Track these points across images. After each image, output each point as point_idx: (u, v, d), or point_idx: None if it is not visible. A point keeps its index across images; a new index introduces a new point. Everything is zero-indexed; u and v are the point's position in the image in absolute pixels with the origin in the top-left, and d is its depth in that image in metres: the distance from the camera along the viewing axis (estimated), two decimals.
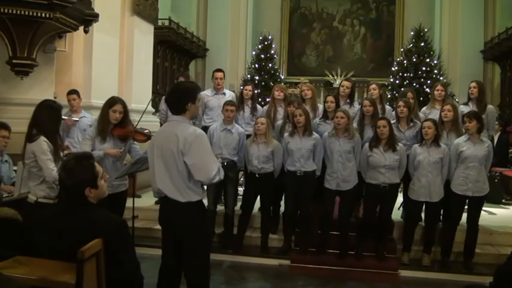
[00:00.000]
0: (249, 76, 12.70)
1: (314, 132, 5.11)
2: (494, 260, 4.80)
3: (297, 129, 5.02)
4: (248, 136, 5.33)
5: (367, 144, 4.94)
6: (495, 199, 7.08)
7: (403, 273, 4.84)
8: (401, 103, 5.23)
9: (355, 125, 5.27)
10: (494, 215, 6.38)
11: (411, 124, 5.22)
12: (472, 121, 4.73)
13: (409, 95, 5.67)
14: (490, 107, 5.57)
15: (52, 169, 3.49)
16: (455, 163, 4.84)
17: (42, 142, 3.53)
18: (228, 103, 5.27)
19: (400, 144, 4.93)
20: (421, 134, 4.88)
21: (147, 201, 5.94)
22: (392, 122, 5.18)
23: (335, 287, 4.61)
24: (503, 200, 7.18)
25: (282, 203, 5.56)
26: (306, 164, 5.01)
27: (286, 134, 5.16)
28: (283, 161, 5.13)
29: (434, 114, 5.30)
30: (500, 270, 2.52)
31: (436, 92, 5.60)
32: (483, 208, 6.50)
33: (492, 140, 8.93)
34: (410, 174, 4.98)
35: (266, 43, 13.01)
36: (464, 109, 5.37)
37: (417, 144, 4.96)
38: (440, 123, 5.03)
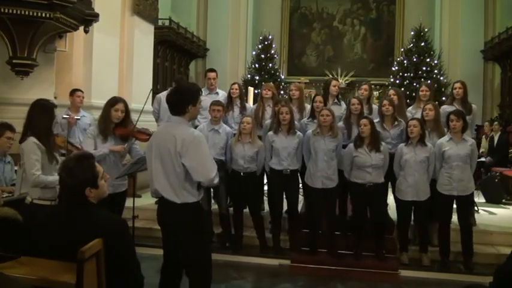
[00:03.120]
0: (249, 76, 12.71)
1: (297, 131, 5.14)
2: (494, 260, 4.80)
3: (281, 127, 5.04)
4: None
5: (351, 144, 4.96)
6: (495, 199, 7.09)
7: (403, 273, 4.84)
8: (385, 101, 5.28)
9: (341, 123, 5.30)
10: (494, 215, 6.38)
11: (396, 123, 5.25)
12: (459, 120, 4.76)
13: (391, 92, 5.72)
14: (474, 106, 5.60)
15: (33, 173, 3.41)
16: (439, 163, 4.88)
17: (31, 143, 3.48)
18: (215, 103, 5.25)
19: (383, 143, 4.95)
20: (407, 133, 4.91)
21: (147, 201, 5.93)
22: (376, 120, 5.20)
23: (335, 287, 4.61)
24: (503, 200, 7.18)
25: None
26: (292, 163, 5.06)
27: (270, 132, 5.17)
28: (265, 161, 5.16)
29: (420, 114, 5.32)
30: (500, 270, 2.52)
31: (421, 93, 5.69)
32: (483, 208, 6.56)
33: (492, 140, 8.99)
34: (396, 173, 5.01)
35: (266, 43, 13.02)
36: (448, 109, 5.37)
37: (403, 143, 4.97)
38: (423, 122, 5.06)
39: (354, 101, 5.31)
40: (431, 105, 5.18)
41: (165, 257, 3.19)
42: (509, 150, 8.99)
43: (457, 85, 5.54)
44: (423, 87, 5.71)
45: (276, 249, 5.22)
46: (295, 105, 5.66)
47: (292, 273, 4.87)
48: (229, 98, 5.88)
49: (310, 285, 4.62)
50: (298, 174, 5.28)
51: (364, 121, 4.85)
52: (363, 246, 5.02)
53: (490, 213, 6.45)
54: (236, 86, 5.95)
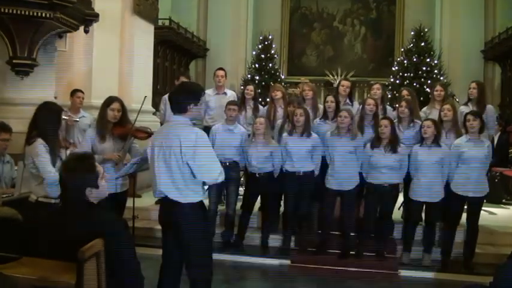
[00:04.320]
0: (249, 76, 12.71)
1: (313, 133, 5.10)
2: (494, 260, 4.78)
3: (295, 128, 5.02)
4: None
5: (369, 144, 4.94)
6: (495, 199, 7.08)
7: (403, 273, 4.83)
8: (403, 103, 5.22)
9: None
10: (494, 215, 6.38)
11: (411, 124, 5.22)
12: (477, 119, 4.73)
13: (404, 92, 5.70)
14: (489, 106, 5.57)
15: (49, 171, 3.47)
16: (455, 164, 4.84)
17: (38, 145, 3.51)
18: (231, 103, 5.27)
19: (402, 144, 4.92)
20: (421, 133, 4.88)
21: (147, 201, 5.94)
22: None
23: (335, 287, 4.61)
24: (503, 200, 7.19)
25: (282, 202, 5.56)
26: (305, 165, 5.02)
27: (284, 134, 5.15)
28: (282, 162, 5.13)
29: (434, 115, 5.29)
30: (501, 271, 2.52)
31: (435, 93, 5.63)
32: (483, 208, 6.55)
33: (492, 140, 8.97)
34: (411, 174, 4.98)
35: (266, 43, 13.02)
36: (464, 109, 5.36)
37: (417, 144, 4.96)
38: (440, 122, 5.03)
39: (370, 101, 5.24)
40: (449, 105, 5.12)
41: (164, 257, 3.18)
42: (509, 150, 8.98)
43: (472, 85, 5.51)
44: (438, 87, 5.67)
45: (286, 249, 5.20)
46: (308, 105, 5.59)
47: (292, 273, 4.87)
48: (243, 98, 5.89)
49: (310, 285, 4.63)
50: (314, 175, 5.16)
51: (384, 122, 4.82)
52: (363, 246, 5.01)
53: (490, 213, 6.44)
54: (251, 87, 5.96)
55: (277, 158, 5.10)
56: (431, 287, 4.71)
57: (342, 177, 4.91)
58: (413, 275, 4.83)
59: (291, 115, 5.14)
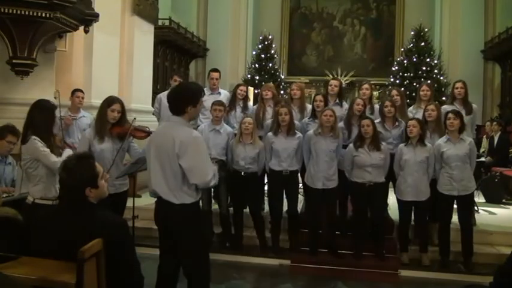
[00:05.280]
0: (249, 76, 12.70)
1: (297, 132, 5.13)
2: (494, 260, 4.81)
3: (281, 128, 5.03)
4: None
5: (352, 144, 4.96)
6: (495, 199, 7.09)
7: (403, 273, 4.84)
8: (388, 102, 5.28)
9: (341, 124, 5.27)
10: (494, 215, 6.39)
11: (396, 123, 5.25)
12: (457, 119, 4.78)
13: (394, 92, 5.71)
14: (475, 106, 5.60)
15: (54, 161, 3.47)
16: (439, 164, 4.89)
17: (34, 140, 3.52)
18: (216, 103, 5.26)
19: (383, 143, 4.95)
20: (406, 133, 4.91)
21: (147, 201, 5.92)
22: (377, 121, 5.19)
23: (335, 287, 4.61)
24: (503, 200, 7.18)
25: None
26: (292, 164, 5.06)
27: (269, 134, 5.16)
28: (266, 161, 5.15)
29: (421, 114, 5.32)
30: (501, 271, 2.52)
31: (421, 92, 5.65)
32: (483, 208, 6.57)
33: (492, 140, 8.98)
34: (396, 174, 5.01)
35: (266, 43, 13.00)
36: (449, 109, 5.36)
37: (403, 143, 4.97)
38: (424, 122, 5.05)
39: (359, 101, 5.28)
40: (433, 105, 5.17)
41: (162, 257, 3.18)
42: (510, 150, 8.98)
43: (459, 85, 5.52)
44: (424, 87, 5.68)
45: (275, 249, 5.22)
46: (296, 105, 5.65)
47: (292, 273, 4.87)
48: (234, 97, 5.88)
49: (310, 285, 4.63)
50: (298, 175, 5.28)
51: (366, 121, 4.85)
52: (362, 246, 5.02)
53: (490, 213, 6.45)
54: (244, 88, 5.96)
55: (263, 159, 5.13)
56: (431, 287, 4.71)
57: (326, 176, 4.94)
58: (413, 275, 4.83)
59: (277, 115, 5.15)
